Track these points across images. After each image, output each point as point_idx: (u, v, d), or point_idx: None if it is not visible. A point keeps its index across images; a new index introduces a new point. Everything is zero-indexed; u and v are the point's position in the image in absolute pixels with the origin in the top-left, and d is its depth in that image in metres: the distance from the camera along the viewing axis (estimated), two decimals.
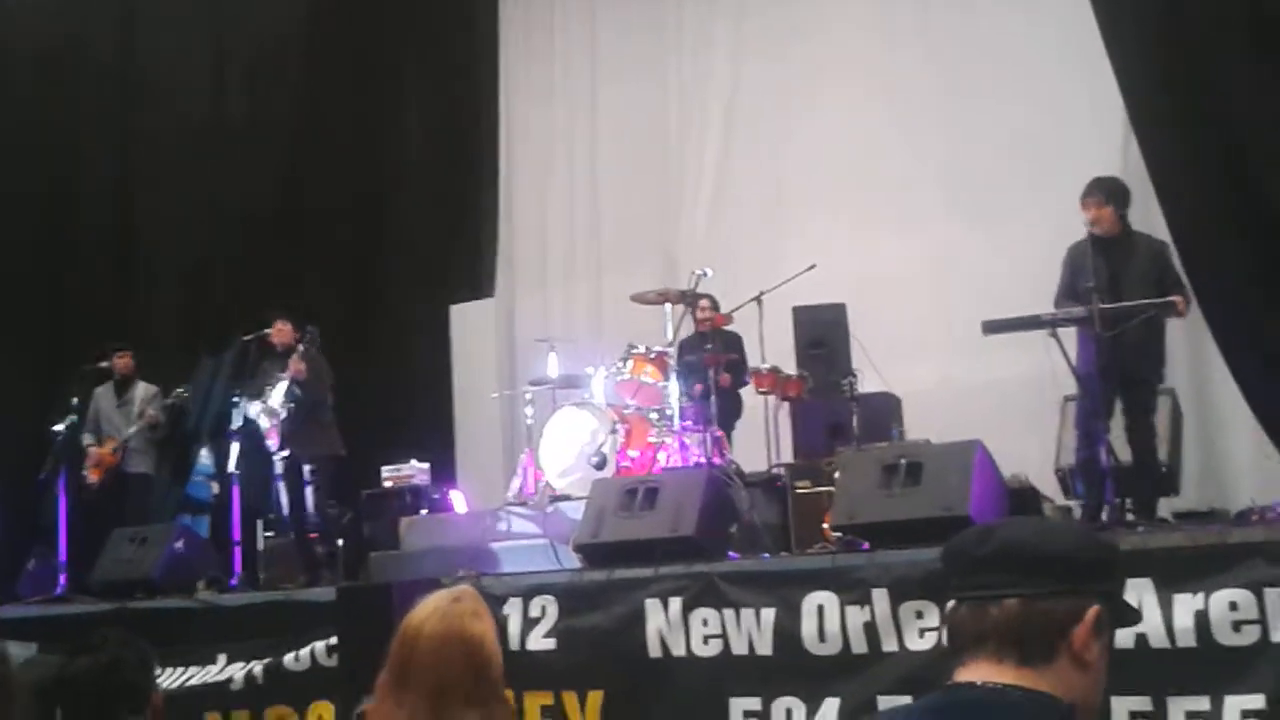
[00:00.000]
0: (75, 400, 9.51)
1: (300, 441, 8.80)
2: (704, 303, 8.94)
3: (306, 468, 8.93)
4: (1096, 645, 1.84)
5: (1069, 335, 6.65)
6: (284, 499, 9.03)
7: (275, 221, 11.62)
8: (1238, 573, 4.96)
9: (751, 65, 10.79)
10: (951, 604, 1.92)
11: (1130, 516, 6.57)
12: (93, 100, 12.24)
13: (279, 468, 8.94)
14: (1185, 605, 4.98)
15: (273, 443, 8.80)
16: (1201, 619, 4.95)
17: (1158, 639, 4.96)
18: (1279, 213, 7.35)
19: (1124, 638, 4.78)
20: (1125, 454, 6.79)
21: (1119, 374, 6.61)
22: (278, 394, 8.71)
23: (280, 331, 8.95)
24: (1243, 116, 7.55)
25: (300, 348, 8.68)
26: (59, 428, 9.36)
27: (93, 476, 9.62)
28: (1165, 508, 7.08)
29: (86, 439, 9.72)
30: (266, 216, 11.63)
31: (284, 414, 8.70)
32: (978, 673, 1.85)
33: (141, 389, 9.86)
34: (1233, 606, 4.92)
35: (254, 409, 8.77)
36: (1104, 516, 6.39)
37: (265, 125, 11.85)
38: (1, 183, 12.13)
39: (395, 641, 2.81)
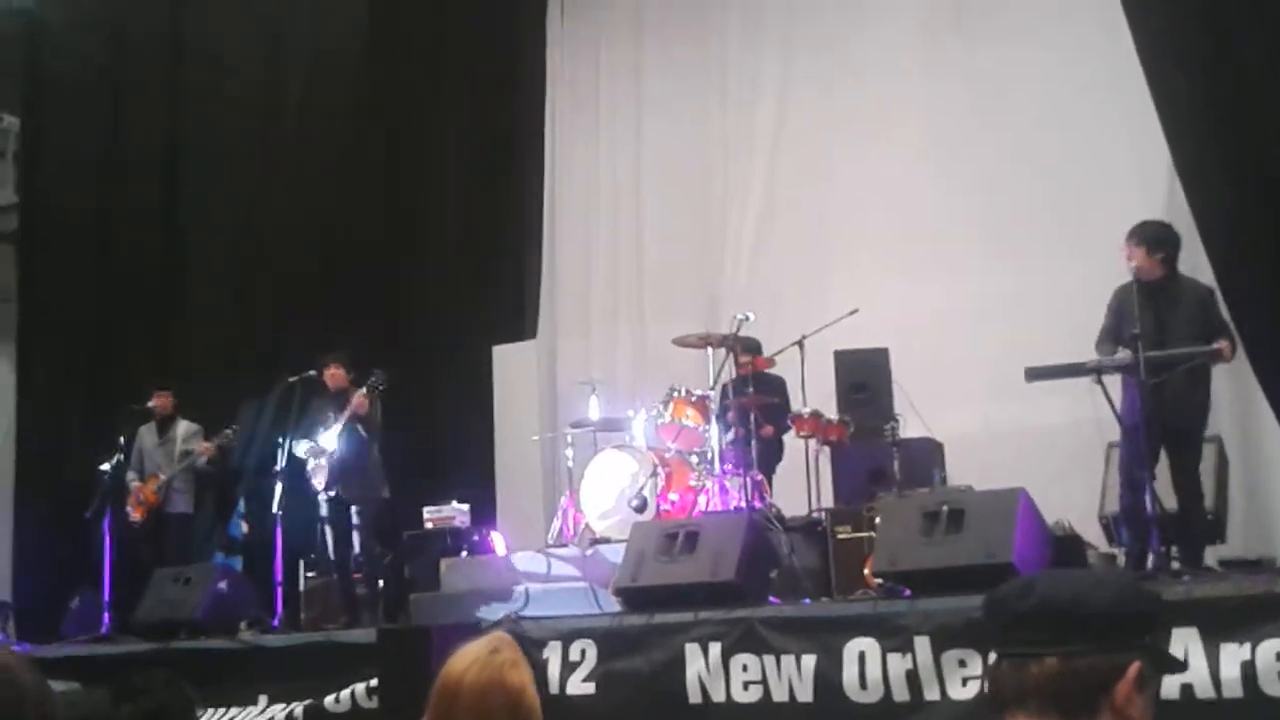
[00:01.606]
0: (121, 440, 9.63)
1: (348, 482, 8.82)
2: (745, 347, 8.94)
3: (353, 508, 8.96)
4: (1140, 700, 1.82)
5: (1113, 381, 6.60)
6: (329, 539, 9.06)
7: (320, 262, 11.72)
8: None
9: (796, 109, 10.82)
10: (993, 658, 1.92)
11: (1176, 565, 6.50)
12: (139, 134, 12.38)
13: (324, 508, 8.97)
14: (1232, 655, 4.92)
15: (319, 482, 8.83)
16: (1248, 669, 4.89)
17: (1204, 690, 4.90)
18: None
19: (1170, 689, 4.73)
20: (1170, 501, 6.72)
21: (1163, 422, 6.54)
22: (331, 434, 8.75)
23: (334, 376, 9.00)
24: None
25: (365, 386, 8.73)
26: (105, 467, 9.48)
27: (135, 515, 9.70)
28: (1211, 556, 6.99)
29: (131, 478, 9.81)
30: (311, 257, 11.73)
31: (336, 453, 8.73)
32: None
33: (183, 427, 9.96)
34: (1279, 657, 4.85)
35: (301, 448, 8.82)
36: (1149, 565, 6.31)
37: (311, 165, 11.95)
38: (55, 223, 12.37)
39: (435, 692, 2.81)
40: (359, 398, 8.68)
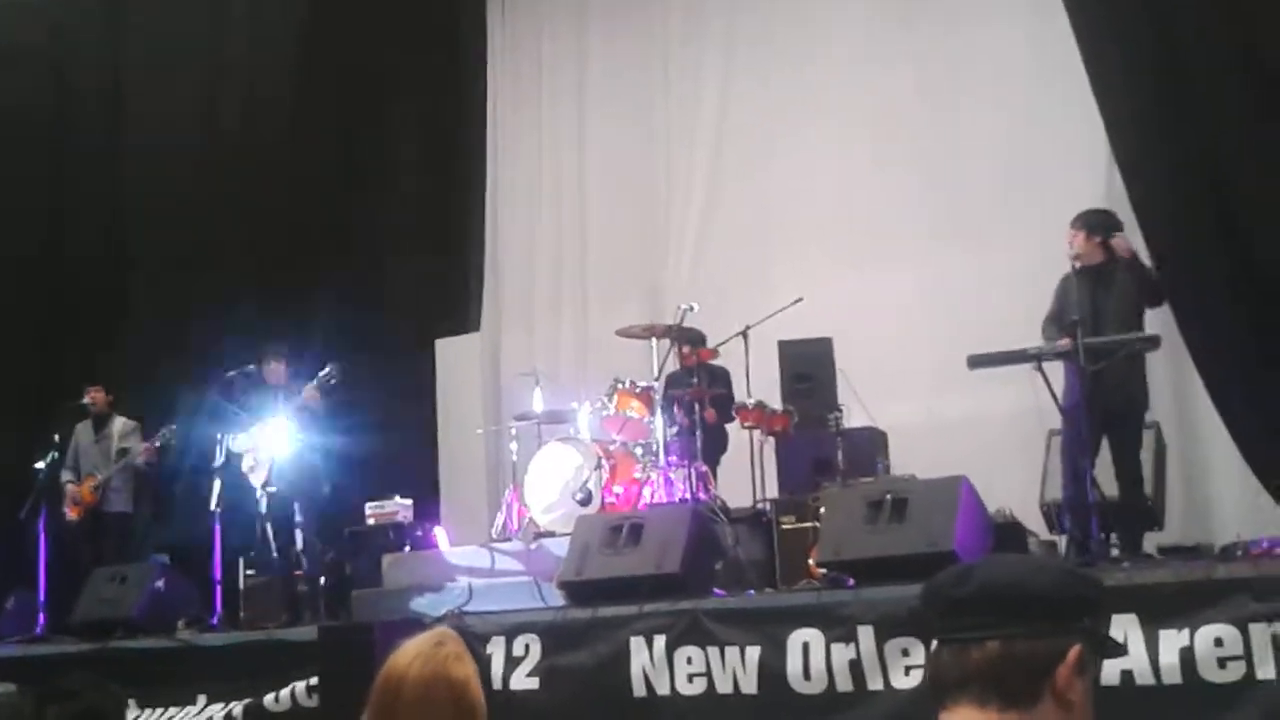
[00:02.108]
0: (56, 437, 9.48)
1: (289, 478, 8.72)
2: (688, 337, 8.92)
3: (295, 504, 8.85)
4: (1080, 684, 1.82)
5: (1054, 369, 6.64)
6: (270, 536, 8.94)
7: (259, 254, 11.58)
8: (1223, 608, 4.94)
9: (738, 99, 10.82)
10: (934, 646, 1.90)
11: (1116, 552, 6.56)
12: (82, 128, 12.22)
13: (263, 504, 8.84)
14: (1171, 641, 4.96)
15: (257, 479, 8.72)
16: (1187, 655, 4.92)
17: (1143, 676, 4.94)
18: (1263, 246, 7.36)
19: (1110, 675, 4.76)
20: (1110, 488, 6.78)
21: (1103, 410, 6.60)
22: (271, 428, 8.64)
23: (274, 371, 8.90)
24: (1227, 148, 7.57)
25: (316, 379, 8.62)
26: (39, 466, 9.31)
27: (71, 514, 9.55)
28: (1150, 543, 7.05)
29: (65, 476, 9.66)
30: (252, 251, 11.59)
31: (276, 448, 8.61)
32: (962, 717, 1.82)
33: (119, 424, 9.81)
34: (1218, 643, 4.89)
35: (240, 442, 8.70)
36: (1090, 551, 6.36)
37: (253, 159, 11.82)
38: None
39: (377, 687, 2.76)
40: (310, 390, 8.58)
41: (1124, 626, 4.93)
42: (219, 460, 8.67)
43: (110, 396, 9.90)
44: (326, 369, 8.70)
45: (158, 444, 9.59)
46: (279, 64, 11.90)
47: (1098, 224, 6.82)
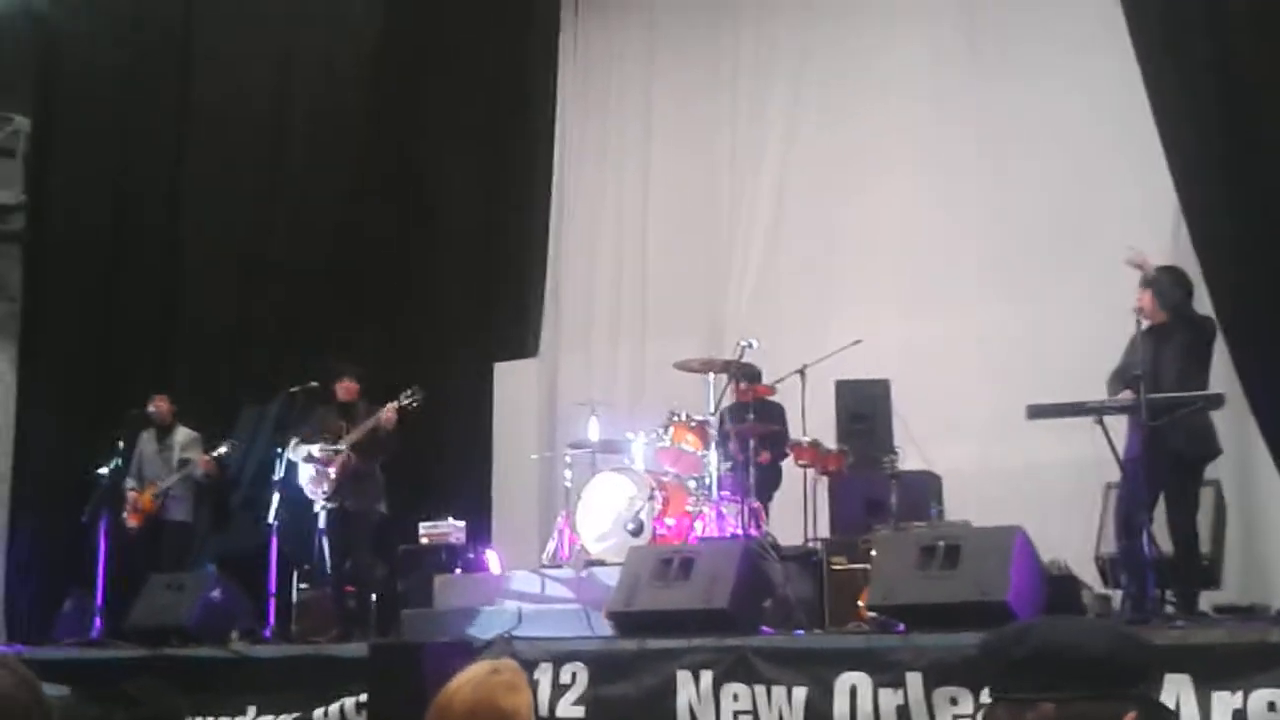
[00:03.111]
0: (120, 444, 9.61)
1: (352, 494, 8.80)
2: (746, 373, 8.93)
3: (353, 521, 8.91)
4: None
5: (1115, 422, 6.60)
6: (326, 551, 9.01)
7: (322, 274, 11.72)
8: (1278, 673, 4.89)
9: (805, 137, 10.86)
10: (988, 702, 1.92)
11: (1171, 609, 6.49)
12: (146, 143, 12.39)
13: (322, 519, 8.91)
14: (1224, 704, 4.91)
15: (319, 492, 8.77)
16: (1239, 718, 4.87)
17: None
18: None
19: None
20: (1167, 545, 6.72)
21: (1169, 456, 6.52)
22: (343, 443, 8.71)
23: (348, 389, 8.97)
24: None
25: (399, 400, 8.67)
26: (103, 471, 9.47)
27: (132, 521, 9.67)
28: (1206, 601, 6.98)
29: (129, 484, 9.78)
30: (314, 269, 11.73)
31: (344, 464, 8.68)
32: None
33: (182, 434, 9.92)
34: (1271, 707, 4.85)
35: (302, 453, 8.78)
36: (1145, 609, 6.30)
37: (317, 176, 11.96)
38: (58, 225, 12.37)
39: (431, 708, 2.81)
40: (389, 411, 8.62)
41: (1177, 687, 4.89)
42: (278, 474, 8.77)
43: (174, 407, 10.00)
44: (410, 391, 8.72)
45: (217, 457, 9.71)
46: (347, 84, 12.04)
47: (1160, 283, 6.76)
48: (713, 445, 8.52)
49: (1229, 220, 7.87)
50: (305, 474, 8.81)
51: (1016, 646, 1.89)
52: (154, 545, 9.67)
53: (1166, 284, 6.78)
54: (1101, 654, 1.87)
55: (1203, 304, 7.61)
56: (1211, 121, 7.89)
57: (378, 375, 9.20)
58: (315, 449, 8.74)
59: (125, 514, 9.65)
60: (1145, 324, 6.70)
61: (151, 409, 9.92)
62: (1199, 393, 6.53)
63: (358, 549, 8.90)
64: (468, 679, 2.83)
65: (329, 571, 8.96)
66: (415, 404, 8.71)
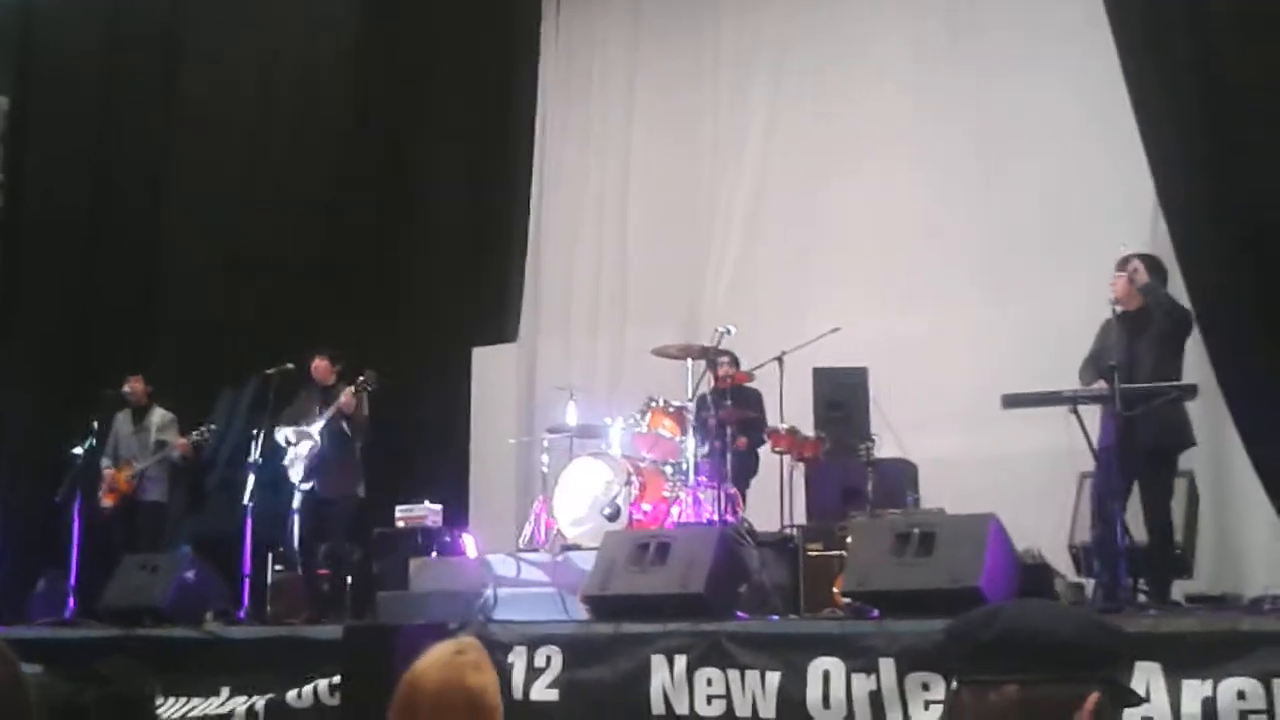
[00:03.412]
0: (95, 424, 9.57)
1: (327, 477, 8.79)
2: (724, 359, 8.96)
3: (329, 503, 8.91)
4: None
5: (1089, 411, 6.63)
6: (296, 533, 9.01)
7: (303, 258, 11.70)
8: (1248, 661, 4.92)
9: (786, 126, 10.87)
10: (953, 686, 1.92)
11: (1143, 598, 6.53)
12: (128, 126, 12.34)
13: (295, 500, 8.92)
14: (1193, 692, 4.94)
15: (295, 474, 8.79)
16: (1209, 706, 4.90)
17: None
18: None
19: None
20: (1141, 534, 6.76)
21: (1142, 445, 6.56)
22: (314, 427, 8.74)
23: (320, 368, 9.00)
24: (1272, 201, 7.57)
25: (354, 385, 8.70)
26: (77, 451, 9.43)
27: (107, 500, 9.66)
28: (1179, 591, 7.03)
29: (105, 463, 9.78)
30: (294, 252, 11.71)
31: (317, 447, 8.70)
32: None
33: (158, 415, 9.91)
34: (1240, 695, 4.87)
35: (282, 434, 8.78)
36: (1117, 597, 6.34)
37: (298, 160, 11.94)
38: (35, 206, 12.31)
39: (398, 693, 2.83)
40: (347, 395, 8.66)
41: (1147, 675, 4.92)
42: (254, 456, 8.76)
43: (149, 387, 9.99)
44: (363, 375, 8.78)
45: (195, 440, 9.68)
46: (332, 66, 12.00)
47: (1145, 274, 6.79)
48: (690, 431, 8.52)
49: (1208, 217, 7.91)
50: (287, 456, 8.82)
51: (983, 630, 1.89)
52: (129, 525, 9.69)
53: (1130, 260, 6.82)
54: (1068, 638, 1.87)
55: (1179, 298, 7.67)
56: (1193, 121, 7.92)
57: (357, 359, 9.17)
58: (291, 432, 8.75)
59: (101, 493, 9.63)
60: (1119, 309, 6.73)
61: (126, 389, 9.91)
62: (1173, 383, 6.57)
63: (334, 533, 8.91)
64: (433, 661, 2.86)
65: (298, 554, 8.96)
66: (370, 387, 8.75)
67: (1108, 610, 5.90)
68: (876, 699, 5.55)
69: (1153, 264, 6.92)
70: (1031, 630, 1.88)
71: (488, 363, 11.45)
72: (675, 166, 11.38)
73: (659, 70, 11.61)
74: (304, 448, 8.71)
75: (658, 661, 6.10)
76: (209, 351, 11.55)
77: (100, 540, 9.48)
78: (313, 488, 8.75)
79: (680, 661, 6.04)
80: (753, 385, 9.07)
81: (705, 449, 8.68)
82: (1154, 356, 6.69)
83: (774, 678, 5.81)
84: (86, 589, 9.01)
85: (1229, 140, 7.79)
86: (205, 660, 7.51)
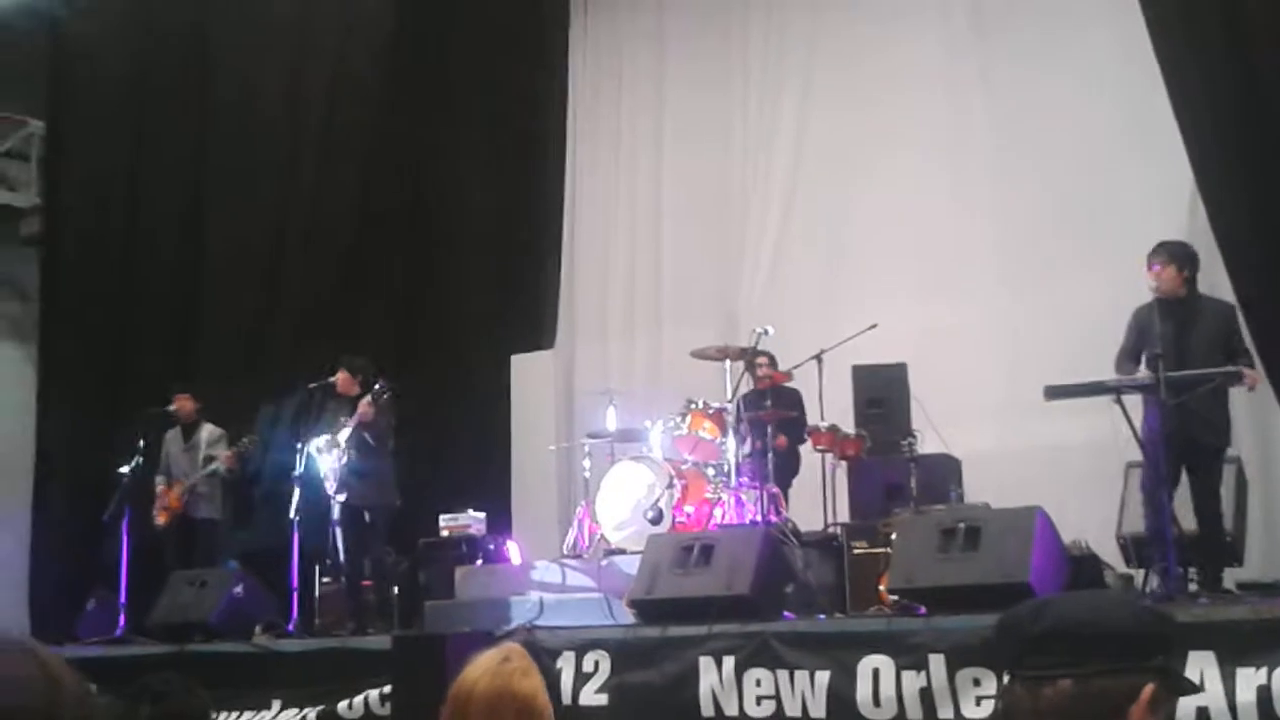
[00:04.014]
0: (141, 443, 9.62)
1: (357, 488, 8.83)
2: (763, 360, 8.94)
3: (365, 514, 8.95)
4: None
5: (1133, 401, 6.57)
6: (340, 544, 9.05)
7: (339, 268, 11.76)
8: None
9: (817, 125, 10.84)
10: (1006, 681, 1.91)
11: (1194, 587, 6.46)
12: (160, 144, 12.44)
13: (335, 513, 8.95)
14: (1248, 680, 4.90)
15: (330, 486, 8.83)
16: (1264, 694, 4.86)
17: (1219, 714, 4.88)
18: None
19: (1186, 712, 4.71)
20: (1189, 522, 6.69)
21: (1184, 441, 6.50)
22: (339, 438, 8.79)
23: (342, 381, 9.02)
24: None
25: (370, 395, 8.73)
26: (124, 470, 9.49)
27: (159, 519, 9.71)
28: (1229, 578, 6.95)
29: (158, 481, 9.81)
30: (333, 263, 11.78)
31: (345, 458, 8.74)
32: None
33: (207, 432, 9.93)
34: None
35: (316, 443, 8.82)
36: (1168, 586, 6.27)
37: (334, 171, 12.01)
38: (73, 226, 12.44)
39: (447, 703, 2.84)
40: (364, 406, 8.66)
41: (1201, 664, 4.88)
42: (299, 469, 8.80)
43: (198, 404, 10.00)
44: (378, 384, 8.76)
45: (238, 451, 9.73)
46: (363, 74, 12.06)
47: (1183, 255, 6.71)
48: (730, 432, 8.51)
49: (1248, 204, 7.84)
50: (323, 469, 8.87)
51: (1033, 623, 1.88)
52: (184, 543, 9.70)
53: (1178, 250, 6.75)
54: (1119, 628, 1.85)
55: (1223, 287, 7.60)
56: (1227, 100, 7.85)
57: (395, 370, 9.21)
58: (321, 443, 8.78)
59: (154, 512, 9.69)
60: (1160, 298, 6.65)
61: (174, 407, 9.91)
62: (1218, 369, 6.49)
63: (373, 543, 8.93)
64: (481, 669, 2.87)
65: (342, 565, 9.00)
66: (385, 395, 8.71)
67: (1161, 599, 5.84)
68: (927, 695, 5.53)
69: (1186, 252, 6.84)
70: (1082, 621, 1.86)
71: (526, 370, 11.47)
72: (707, 168, 11.38)
73: (688, 72, 11.61)
74: (333, 458, 8.75)
75: (706, 663, 6.10)
76: (247, 366, 11.63)
77: (150, 558, 9.54)
78: (347, 499, 8.77)
79: (728, 663, 6.04)
80: (792, 385, 9.05)
81: (746, 450, 8.66)
82: (1205, 349, 6.59)
83: (823, 677, 5.80)
84: (137, 607, 9.08)
85: (1268, 120, 7.72)
86: (256, 674, 7.57)
